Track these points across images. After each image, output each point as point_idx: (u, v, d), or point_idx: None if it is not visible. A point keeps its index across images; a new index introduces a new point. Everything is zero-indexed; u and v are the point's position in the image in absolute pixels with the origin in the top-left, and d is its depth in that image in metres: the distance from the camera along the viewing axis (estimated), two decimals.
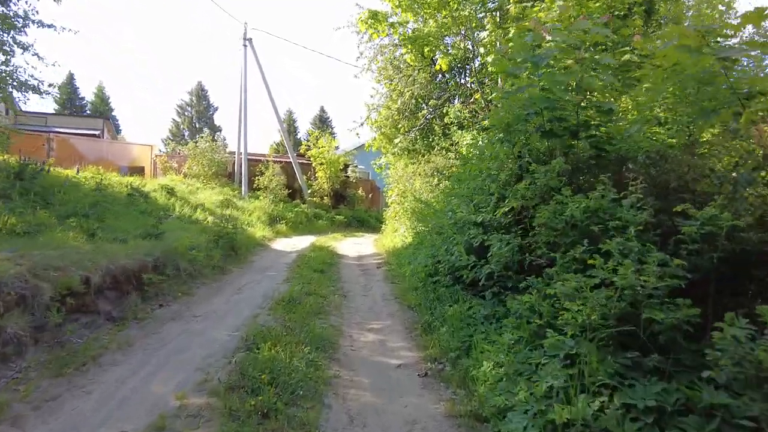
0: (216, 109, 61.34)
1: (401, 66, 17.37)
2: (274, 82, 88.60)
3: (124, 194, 13.44)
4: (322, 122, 57.19)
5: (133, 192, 13.94)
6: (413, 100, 16.73)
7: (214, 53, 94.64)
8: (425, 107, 16.87)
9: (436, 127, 16.32)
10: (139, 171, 22.49)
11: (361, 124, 17.30)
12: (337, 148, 25.59)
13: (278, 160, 25.52)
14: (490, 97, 12.92)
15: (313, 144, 25.07)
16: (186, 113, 57.39)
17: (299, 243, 15.20)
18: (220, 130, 60.40)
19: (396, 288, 9.08)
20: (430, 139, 16.56)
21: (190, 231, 10.67)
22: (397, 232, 14.37)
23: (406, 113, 16.92)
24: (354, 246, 15.69)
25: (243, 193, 21.00)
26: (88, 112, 54.32)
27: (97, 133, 25.60)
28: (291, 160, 24.47)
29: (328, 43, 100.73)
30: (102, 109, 54.12)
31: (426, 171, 14.53)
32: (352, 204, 26.67)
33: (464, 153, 14.78)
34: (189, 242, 9.04)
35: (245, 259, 11.41)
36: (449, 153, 15.22)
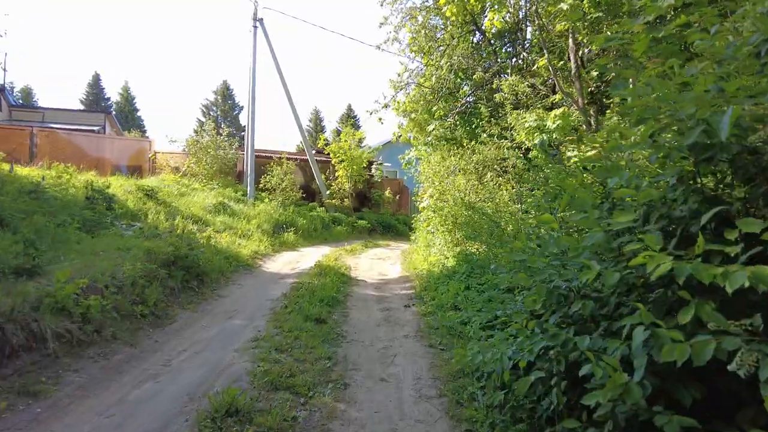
0: (242, 108, 58.60)
1: (436, 35, 13.35)
2: (293, 74, 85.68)
3: (81, 198, 10.04)
4: (349, 120, 53.67)
5: (93, 195, 10.48)
6: (452, 75, 12.69)
7: (239, 52, 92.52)
8: (467, 85, 12.83)
9: (482, 109, 12.25)
10: (136, 170, 19.35)
11: (385, 106, 13.34)
12: (361, 142, 21.72)
13: (294, 157, 21.89)
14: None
15: (334, 139, 21.33)
16: (211, 113, 54.79)
17: (305, 259, 11.40)
18: (245, 130, 57.78)
19: (439, 362, 5.09)
20: (474, 125, 12.50)
21: (130, 253, 6.98)
22: (432, 247, 10.38)
23: (443, 92, 12.89)
24: (376, 263, 11.76)
25: (249, 194, 17.40)
26: (113, 111, 52.49)
27: (96, 129, 22.57)
28: (308, 156, 20.80)
29: (350, 29, 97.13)
30: (127, 110, 52.16)
31: (472, 165, 10.46)
32: (378, 207, 22.80)
33: (524, 138, 10.67)
34: (92, 278, 5.30)
35: (212, 292, 7.63)
36: (503, 140, 11.11)
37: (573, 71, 10.55)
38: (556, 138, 10.20)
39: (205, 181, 17.60)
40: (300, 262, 10.87)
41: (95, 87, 52.64)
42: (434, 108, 13.32)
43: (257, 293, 7.82)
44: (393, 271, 10.55)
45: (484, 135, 10.97)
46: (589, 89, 11.10)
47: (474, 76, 12.25)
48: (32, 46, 77.66)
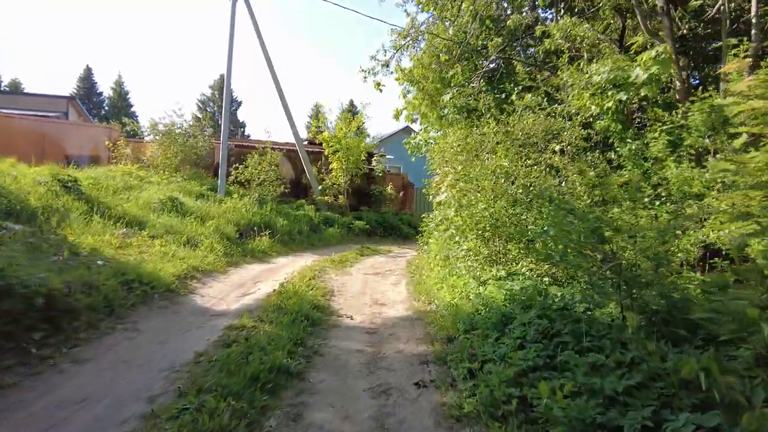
0: (240, 104, 55.49)
1: None
2: (286, 59, 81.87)
3: None
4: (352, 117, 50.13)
5: None
6: (475, 25, 9.07)
7: (236, 47, 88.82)
8: (498, 36, 9.19)
9: (518, 68, 8.62)
10: (95, 160, 15.92)
11: (386, 64, 9.74)
12: (358, 129, 18.11)
13: (280, 147, 18.32)
14: None
15: (323, 126, 17.77)
16: (207, 108, 51.38)
17: (270, 277, 7.86)
18: (244, 126, 54.33)
19: None
20: (507, 91, 8.88)
21: None
22: (454, 262, 6.77)
23: (463, 48, 9.28)
24: (372, 282, 8.17)
25: (219, 188, 13.85)
26: (106, 107, 49.20)
27: (54, 115, 19.12)
28: (296, 146, 17.26)
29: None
30: (120, 105, 48.80)
31: (510, 139, 6.86)
32: (378, 205, 19.24)
33: (587, 102, 7.07)
34: None
35: (65, 351, 4.05)
36: (554, 105, 7.50)
37: (660, 4, 6.92)
38: (643, 98, 6.59)
39: (167, 173, 14.12)
40: (260, 284, 7.29)
41: (87, 81, 49.34)
42: (450, 72, 9.73)
43: (151, 354, 4.23)
44: (395, 297, 6.94)
45: (528, 98, 7.36)
46: (680, 32, 7.47)
47: (508, 23, 8.65)
48: (25, 39, 74.51)
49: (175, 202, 10.32)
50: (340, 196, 17.38)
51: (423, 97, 10.21)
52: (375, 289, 7.49)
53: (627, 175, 6.68)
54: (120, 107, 48.42)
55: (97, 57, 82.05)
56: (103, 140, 16.44)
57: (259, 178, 13.85)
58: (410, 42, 9.87)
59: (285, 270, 8.57)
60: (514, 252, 5.34)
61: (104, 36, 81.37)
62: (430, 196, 8.34)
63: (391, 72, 10.13)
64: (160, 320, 5.16)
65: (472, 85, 9.05)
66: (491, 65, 9.08)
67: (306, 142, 20.32)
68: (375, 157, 19.62)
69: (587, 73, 7.04)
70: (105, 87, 52.09)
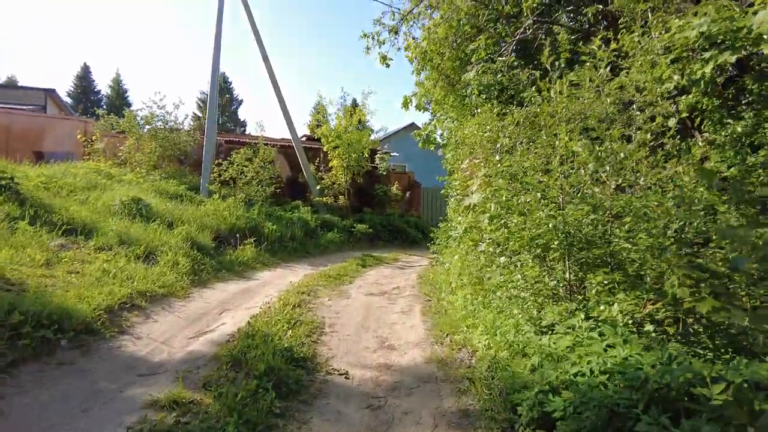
0: (240, 102, 53.80)
1: None
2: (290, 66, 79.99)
3: None
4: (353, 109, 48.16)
5: None
6: None
7: (236, 44, 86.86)
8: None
9: (561, 35, 6.68)
10: (69, 156, 14.11)
11: (394, 31, 7.84)
12: (360, 123, 16.23)
13: (275, 143, 16.50)
14: None
15: (323, 120, 15.88)
16: None
17: (244, 303, 6.01)
18: (245, 126, 52.55)
19: None
20: (550, 59, 6.93)
21: None
22: (488, 288, 4.88)
23: (489, 14, 7.39)
24: (376, 309, 6.28)
25: (201, 188, 12.01)
26: (104, 106, 47.51)
27: (29, 107, 17.32)
28: (292, 141, 15.42)
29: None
30: (118, 104, 47.00)
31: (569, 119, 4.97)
32: (382, 206, 17.35)
33: (664, 71, 5.17)
34: None
35: None
36: (619, 77, 5.61)
37: None
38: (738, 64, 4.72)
39: (144, 170, 12.30)
40: (227, 313, 5.42)
41: (84, 79, 47.63)
42: (471, 47, 7.84)
43: None
44: (409, 335, 5.05)
45: (586, 69, 5.48)
46: None
47: None
48: (23, 37, 72.92)
49: (140, 204, 8.46)
50: (340, 197, 15.51)
51: (437, 77, 8.32)
52: (380, 320, 5.60)
53: (720, 170, 4.78)
54: (118, 106, 46.58)
55: (95, 55, 79.99)
56: (77, 134, 14.63)
57: (246, 176, 11.98)
58: (423, 9, 7.99)
59: (266, 290, 6.71)
60: (598, 285, 3.47)
61: (102, 34, 79.44)
62: (452, 198, 6.47)
63: (399, 48, 8.27)
64: (50, 389, 3.30)
65: (501, 58, 7.16)
66: (524, 34, 7.18)
67: (304, 138, 18.52)
68: (378, 155, 17.74)
69: (667, 30, 5.14)
70: (103, 85, 50.49)
